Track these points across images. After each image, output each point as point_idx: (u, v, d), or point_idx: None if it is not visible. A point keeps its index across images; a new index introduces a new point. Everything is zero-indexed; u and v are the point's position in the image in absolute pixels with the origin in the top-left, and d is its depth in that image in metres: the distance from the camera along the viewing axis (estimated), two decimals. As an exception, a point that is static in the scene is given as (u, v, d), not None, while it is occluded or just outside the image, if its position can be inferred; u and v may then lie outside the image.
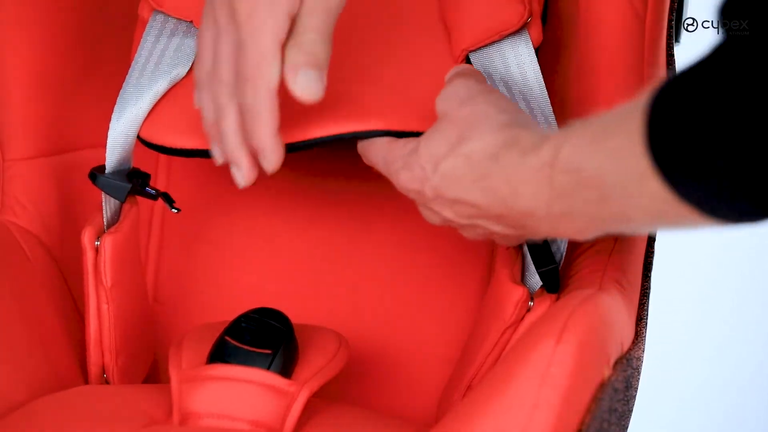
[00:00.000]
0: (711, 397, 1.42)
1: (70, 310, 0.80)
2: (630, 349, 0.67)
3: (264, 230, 0.84)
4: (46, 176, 0.80)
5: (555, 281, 0.70)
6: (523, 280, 0.71)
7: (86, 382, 0.77)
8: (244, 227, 0.84)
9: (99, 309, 0.75)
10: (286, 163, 0.65)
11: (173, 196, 0.77)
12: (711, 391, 1.42)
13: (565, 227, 0.57)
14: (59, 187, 0.80)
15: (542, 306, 0.69)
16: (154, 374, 0.83)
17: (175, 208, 0.76)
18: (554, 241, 0.70)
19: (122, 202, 0.74)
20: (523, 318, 0.70)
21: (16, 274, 0.76)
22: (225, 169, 0.67)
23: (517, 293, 0.69)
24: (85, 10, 0.81)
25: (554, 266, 0.69)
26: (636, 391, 0.69)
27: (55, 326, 0.77)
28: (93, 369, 0.76)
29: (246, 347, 0.68)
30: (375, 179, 0.69)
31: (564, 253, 0.70)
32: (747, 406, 1.42)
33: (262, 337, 0.69)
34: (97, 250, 0.73)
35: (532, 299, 0.69)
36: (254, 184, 0.66)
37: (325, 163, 0.84)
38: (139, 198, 0.76)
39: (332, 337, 0.73)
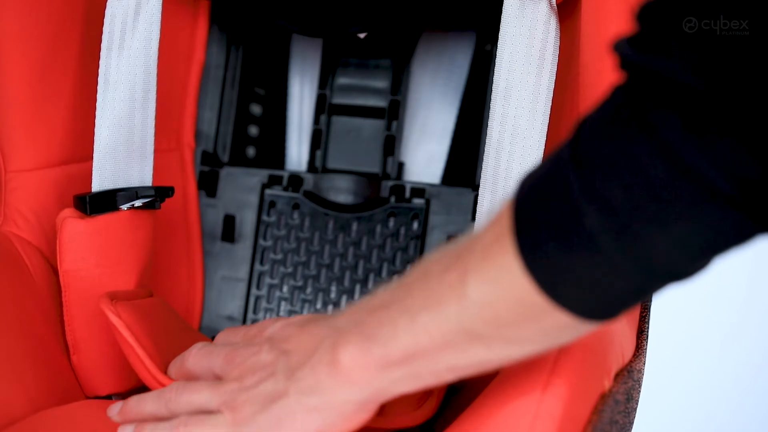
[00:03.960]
0: (710, 409, 1.42)
1: (72, 322, 0.80)
2: (631, 362, 0.67)
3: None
4: (49, 188, 0.80)
5: None
6: None
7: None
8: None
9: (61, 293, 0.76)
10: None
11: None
12: (710, 402, 1.42)
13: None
14: (61, 198, 0.80)
15: None
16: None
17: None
18: None
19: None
20: None
21: (17, 286, 0.76)
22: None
23: None
24: (87, 22, 0.81)
25: None
26: (637, 404, 0.69)
27: (56, 338, 0.77)
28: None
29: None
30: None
31: None
32: (747, 422, 1.42)
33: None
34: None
35: None
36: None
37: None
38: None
39: None
